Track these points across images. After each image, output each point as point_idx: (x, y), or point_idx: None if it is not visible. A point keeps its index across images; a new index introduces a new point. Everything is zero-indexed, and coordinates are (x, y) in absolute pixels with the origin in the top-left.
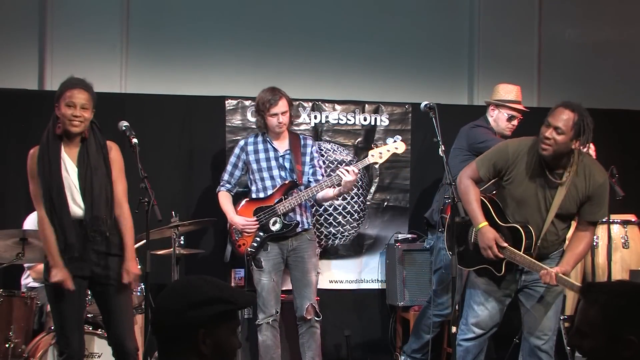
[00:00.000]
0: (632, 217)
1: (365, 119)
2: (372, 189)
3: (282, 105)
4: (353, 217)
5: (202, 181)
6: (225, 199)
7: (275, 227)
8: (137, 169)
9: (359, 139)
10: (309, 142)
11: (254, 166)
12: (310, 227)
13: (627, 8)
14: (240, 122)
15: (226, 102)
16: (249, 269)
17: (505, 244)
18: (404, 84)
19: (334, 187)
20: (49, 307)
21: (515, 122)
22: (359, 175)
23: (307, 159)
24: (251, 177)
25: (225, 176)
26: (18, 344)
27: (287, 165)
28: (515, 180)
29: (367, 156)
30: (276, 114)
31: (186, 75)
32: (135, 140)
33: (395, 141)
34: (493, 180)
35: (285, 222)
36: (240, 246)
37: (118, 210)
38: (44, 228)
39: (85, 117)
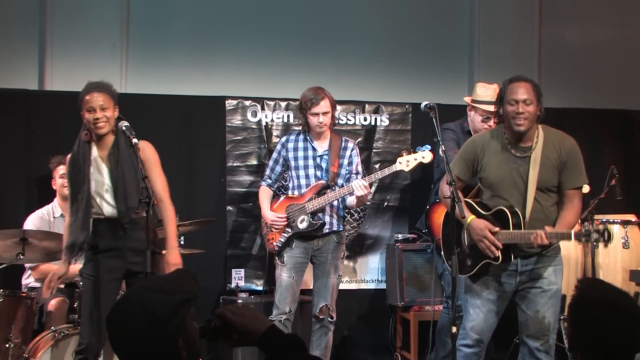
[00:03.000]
0: (632, 217)
1: (365, 119)
2: (372, 189)
3: (323, 106)
4: (353, 217)
5: (202, 181)
6: (263, 194)
7: (302, 225)
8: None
9: (359, 139)
10: (350, 145)
11: (292, 163)
12: (341, 229)
13: (627, 8)
14: (240, 122)
15: (226, 102)
16: (269, 266)
17: (497, 229)
18: (404, 84)
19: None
20: (49, 307)
21: (491, 123)
22: (369, 190)
23: (345, 162)
24: (289, 174)
25: (267, 171)
26: (18, 344)
27: (323, 165)
28: (487, 166)
29: (394, 163)
30: (317, 114)
31: (186, 76)
32: (135, 141)
33: (424, 150)
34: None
35: (312, 221)
36: (269, 240)
37: (160, 205)
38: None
39: (107, 116)
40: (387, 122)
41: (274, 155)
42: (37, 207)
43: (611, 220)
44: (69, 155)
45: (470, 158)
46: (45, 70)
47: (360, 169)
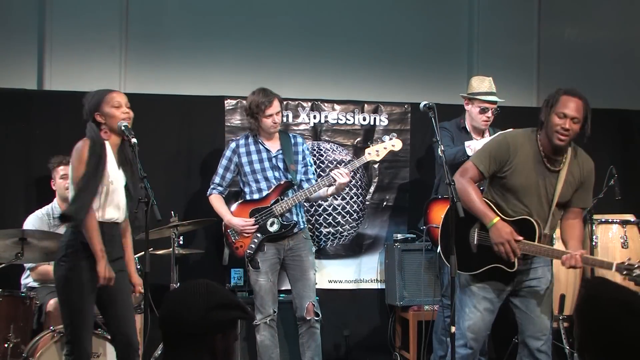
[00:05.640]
0: (630, 217)
1: (364, 119)
2: (372, 189)
3: (276, 106)
4: (352, 217)
5: (201, 181)
6: (218, 202)
7: (273, 228)
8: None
9: (358, 139)
10: (300, 140)
11: (247, 168)
12: (306, 226)
13: (626, 8)
14: (239, 121)
15: (225, 102)
16: (246, 270)
17: (521, 238)
18: (403, 84)
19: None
20: (48, 307)
21: (489, 114)
22: (351, 176)
23: (300, 157)
24: (244, 179)
25: (217, 179)
26: (17, 343)
27: (280, 165)
28: (516, 170)
29: (364, 154)
30: (271, 115)
31: (185, 75)
32: (134, 140)
33: (391, 138)
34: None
35: (283, 222)
36: (239, 248)
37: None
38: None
39: (131, 115)
40: (386, 122)
41: (224, 162)
42: (36, 207)
43: (610, 220)
44: (83, 142)
45: (500, 156)
46: (45, 70)
47: (311, 160)
